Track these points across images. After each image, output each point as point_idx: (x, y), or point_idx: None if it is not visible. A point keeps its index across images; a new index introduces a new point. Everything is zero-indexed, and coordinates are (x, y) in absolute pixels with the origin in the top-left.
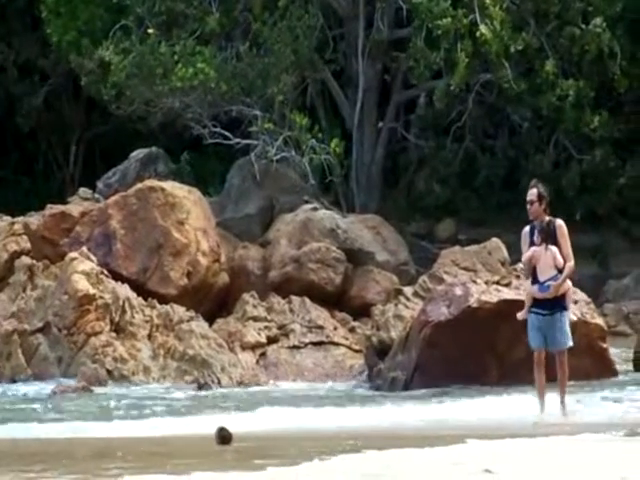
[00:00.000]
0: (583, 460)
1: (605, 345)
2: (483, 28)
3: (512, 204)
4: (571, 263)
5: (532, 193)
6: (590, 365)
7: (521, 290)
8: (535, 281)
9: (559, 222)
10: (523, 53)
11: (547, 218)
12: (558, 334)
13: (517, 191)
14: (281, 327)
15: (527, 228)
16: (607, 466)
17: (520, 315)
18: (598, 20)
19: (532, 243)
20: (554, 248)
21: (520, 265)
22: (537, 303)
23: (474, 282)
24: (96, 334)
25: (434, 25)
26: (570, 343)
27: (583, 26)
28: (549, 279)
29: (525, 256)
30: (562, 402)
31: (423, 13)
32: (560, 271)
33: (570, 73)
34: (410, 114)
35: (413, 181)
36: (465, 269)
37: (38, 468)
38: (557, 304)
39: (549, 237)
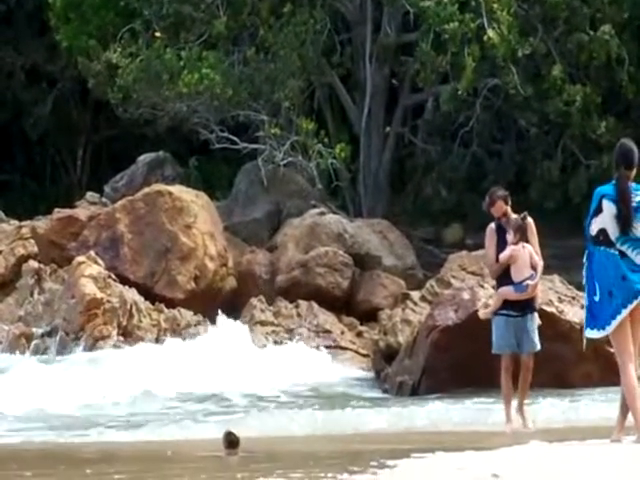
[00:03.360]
0: (590, 466)
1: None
2: (490, 32)
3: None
4: (541, 262)
5: (498, 208)
6: (596, 371)
7: None
8: (508, 282)
9: (529, 219)
10: (530, 58)
11: (514, 216)
12: (531, 336)
13: (524, 196)
14: (289, 331)
15: (493, 225)
16: (615, 472)
17: (482, 314)
18: (606, 27)
19: (502, 241)
20: (529, 246)
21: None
22: (508, 304)
23: (481, 286)
24: (104, 338)
25: (441, 29)
26: (539, 346)
27: (591, 32)
28: (526, 278)
29: (504, 255)
30: (521, 409)
31: (430, 17)
32: (535, 270)
33: (577, 79)
34: (417, 119)
35: (420, 186)
36: (472, 273)
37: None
38: (528, 305)
39: (525, 234)
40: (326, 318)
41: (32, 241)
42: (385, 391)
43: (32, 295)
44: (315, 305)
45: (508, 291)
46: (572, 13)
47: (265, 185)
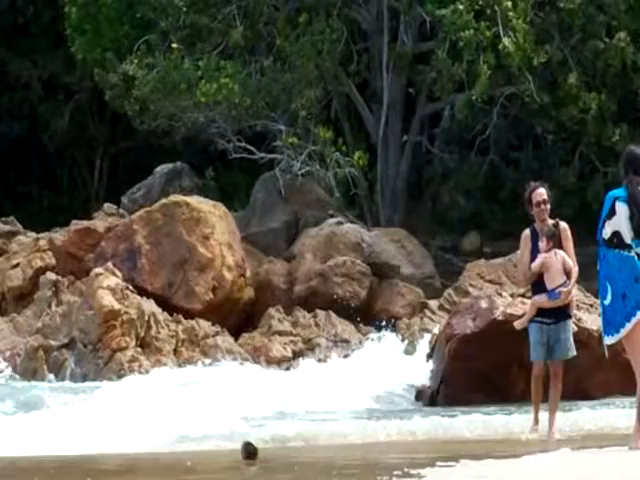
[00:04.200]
0: (611, 473)
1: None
2: (506, 41)
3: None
4: (576, 268)
5: (543, 193)
6: (615, 378)
7: None
8: (542, 289)
9: (563, 225)
10: (547, 66)
11: (551, 221)
12: (564, 343)
13: None
14: (307, 341)
15: (528, 231)
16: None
17: (518, 324)
18: (622, 34)
19: (535, 248)
20: (562, 252)
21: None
22: (542, 312)
23: (499, 295)
24: (122, 349)
25: (457, 37)
26: (574, 352)
27: (607, 40)
28: (559, 285)
29: (535, 264)
30: (551, 418)
31: (446, 25)
32: (568, 276)
33: (593, 86)
34: (435, 127)
35: (438, 194)
36: (490, 282)
37: None
38: (562, 312)
39: (556, 241)
40: (344, 327)
41: (50, 253)
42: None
43: (50, 307)
44: (333, 315)
45: (541, 299)
46: (588, 21)
47: (283, 195)
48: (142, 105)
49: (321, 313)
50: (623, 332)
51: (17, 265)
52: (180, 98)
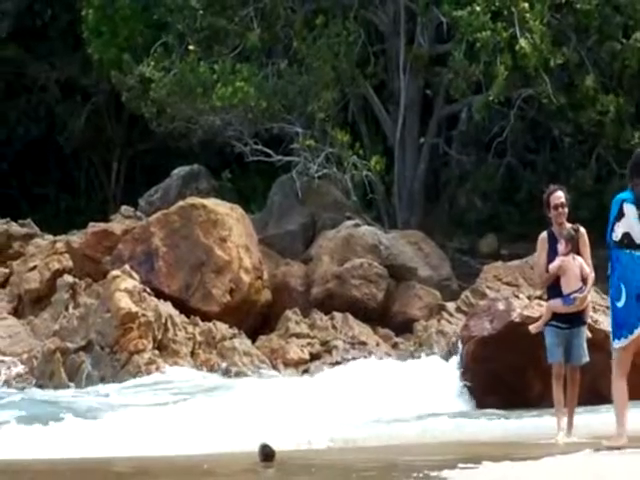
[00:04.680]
0: (631, 475)
1: None
2: (522, 42)
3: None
4: (592, 274)
5: (561, 196)
6: (631, 380)
7: None
8: (557, 293)
9: (583, 230)
10: (563, 67)
11: (570, 225)
12: (578, 349)
13: None
14: (324, 343)
15: (545, 234)
16: None
17: (534, 328)
18: (639, 35)
19: (552, 251)
20: (580, 258)
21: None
22: (557, 317)
23: (517, 297)
24: (139, 352)
25: (474, 38)
26: (587, 359)
27: (624, 41)
28: (575, 291)
29: (553, 266)
30: (570, 427)
31: (463, 26)
32: (585, 282)
33: (611, 88)
34: (452, 129)
35: (455, 196)
36: (508, 284)
37: None
38: (577, 318)
39: (574, 245)
40: (361, 330)
41: (67, 255)
42: None
43: (67, 310)
44: (350, 317)
45: (556, 304)
46: (604, 22)
47: (300, 197)
48: (159, 107)
49: (338, 315)
50: (637, 333)
51: (34, 268)
52: (196, 101)
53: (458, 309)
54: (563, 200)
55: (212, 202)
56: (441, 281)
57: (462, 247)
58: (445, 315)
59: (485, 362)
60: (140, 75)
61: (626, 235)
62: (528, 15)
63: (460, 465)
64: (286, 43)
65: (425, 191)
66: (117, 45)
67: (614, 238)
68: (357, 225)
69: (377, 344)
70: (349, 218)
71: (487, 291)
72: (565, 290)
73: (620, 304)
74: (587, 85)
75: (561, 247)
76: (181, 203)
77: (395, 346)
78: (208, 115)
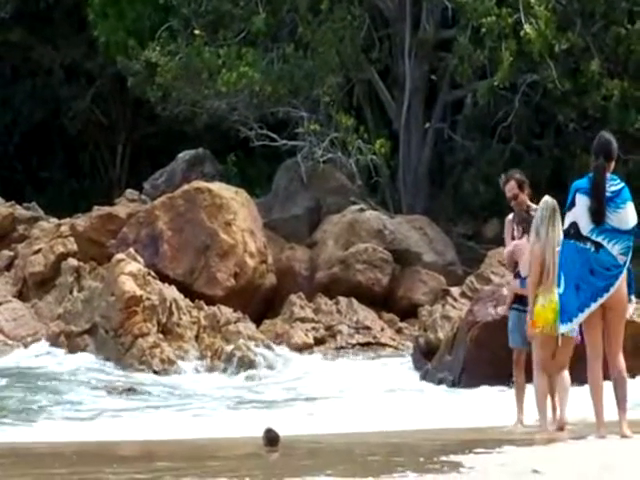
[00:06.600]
0: (629, 460)
1: None
2: (527, 27)
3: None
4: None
5: (510, 188)
6: (637, 367)
7: None
8: (517, 276)
9: (535, 208)
10: (568, 53)
11: (527, 205)
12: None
13: (563, 191)
14: (328, 328)
15: (510, 216)
16: None
17: (501, 310)
18: None
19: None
20: None
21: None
22: (519, 299)
23: None
24: (143, 336)
25: (479, 23)
26: None
27: (629, 26)
28: None
29: (506, 251)
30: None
31: (468, 12)
32: None
33: (616, 73)
34: (457, 114)
35: (460, 181)
36: None
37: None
38: None
39: (529, 227)
40: (366, 315)
41: (71, 239)
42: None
43: (71, 293)
44: (355, 302)
45: (515, 286)
46: (609, 7)
47: (305, 182)
48: (164, 92)
49: (343, 300)
50: (575, 322)
51: (39, 251)
52: (202, 86)
53: (463, 294)
54: (512, 193)
55: (217, 186)
56: (446, 266)
57: (467, 232)
58: (450, 300)
59: (489, 347)
60: (146, 60)
61: (573, 225)
62: (533, 1)
63: (476, 450)
64: (291, 28)
65: (430, 176)
66: (123, 28)
67: (563, 227)
68: (362, 210)
69: (382, 329)
70: (354, 203)
71: (492, 276)
72: (522, 273)
73: (560, 291)
74: (592, 70)
75: (515, 232)
76: (186, 187)
77: (399, 331)
78: (213, 99)
